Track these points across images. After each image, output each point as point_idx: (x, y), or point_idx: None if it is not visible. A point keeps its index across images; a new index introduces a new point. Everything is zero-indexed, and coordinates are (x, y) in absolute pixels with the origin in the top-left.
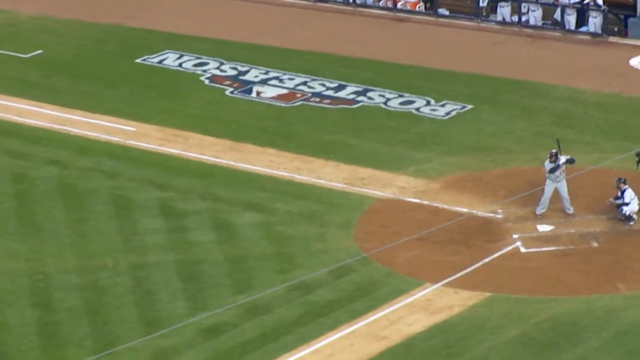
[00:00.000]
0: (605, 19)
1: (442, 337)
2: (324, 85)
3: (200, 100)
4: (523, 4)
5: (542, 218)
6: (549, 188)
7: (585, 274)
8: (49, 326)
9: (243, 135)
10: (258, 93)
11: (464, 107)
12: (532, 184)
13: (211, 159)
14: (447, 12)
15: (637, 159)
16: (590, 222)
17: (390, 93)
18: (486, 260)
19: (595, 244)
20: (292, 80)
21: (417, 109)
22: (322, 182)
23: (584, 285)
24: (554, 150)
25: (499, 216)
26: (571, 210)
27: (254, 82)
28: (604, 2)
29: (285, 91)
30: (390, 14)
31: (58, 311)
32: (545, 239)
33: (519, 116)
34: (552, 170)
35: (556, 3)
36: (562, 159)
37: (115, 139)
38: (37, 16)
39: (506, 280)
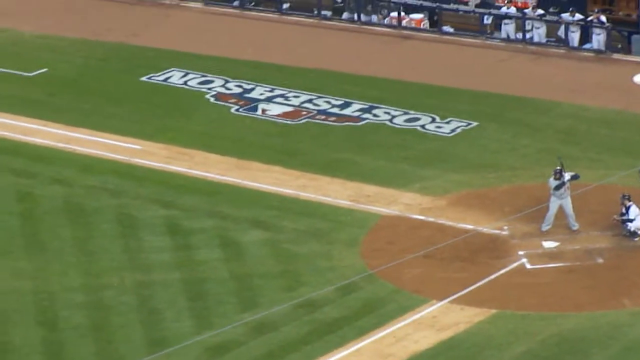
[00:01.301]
0: (608, 36)
1: (448, 354)
2: (329, 102)
3: (205, 118)
4: (527, 22)
5: (548, 234)
6: (553, 205)
7: (591, 290)
8: (53, 345)
9: (249, 153)
10: (263, 111)
11: (469, 124)
12: (537, 200)
13: (217, 176)
14: (451, 30)
15: (639, 176)
16: (595, 238)
17: (396, 110)
18: (492, 277)
19: (600, 260)
20: (298, 98)
21: (423, 126)
22: (328, 200)
23: (589, 302)
24: (558, 168)
25: (504, 233)
26: (576, 227)
27: (259, 100)
28: (607, 20)
29: (290, 109)
30: (395, 31)
31: (63, 330)
32: (551, 255)
33: (524, 133)
34: (557, 188)
35: (560, 20)
36: (567, 176)
37: (120, 157)
38: (40, 35)
39: (512, 296)
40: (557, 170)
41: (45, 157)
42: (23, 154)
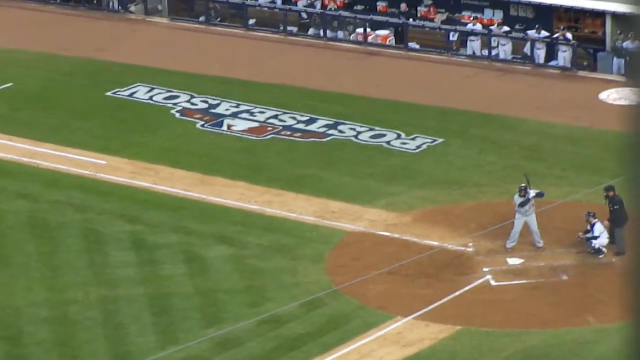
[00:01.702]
0: (574, 53)
1: None
2: (295, 118)
3: (171, 134)
4: (493, 39)
5: (513, 252)
6: (519, 222)
7: (556, 307)
8: None
9: (214, 168)
10: (229, 126)
11: (435, 140)
12: (503, 217)
13: (182, 192)
14: (417, 47)
15: (604, 194)
16: (560, 255)
17: (361, 127)
18: (457, 293)
19: (565, 278)
20: (263, 114)
21: (388, 143)
22: (293, 216)
23: (554, 319)
24: (523, 185)
25: (469, 250)
26: (541, 244)
27: (225, 116)
28: (573, 37)
29: (256, 124)
30: (361, 48)
31: (28, 345)
32: (516, 272)
33: (490, 150)
34: (522, 205)
35: (526, 38)
36: (532, 193)
37: (85, 172)
38: (5, 49)
39: (477, 313)
40: (522, 188)
41: (10, 172)
42: None
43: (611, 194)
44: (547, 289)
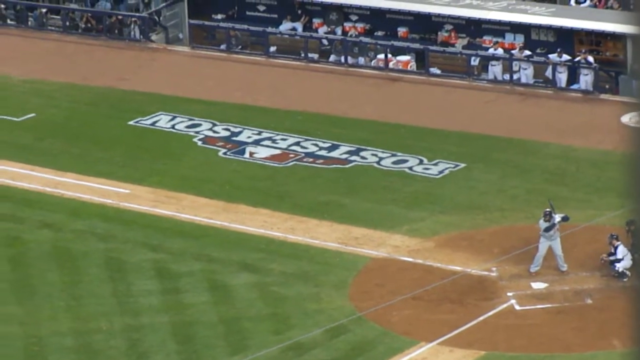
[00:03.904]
0: (596, 76)
1: None
2: (316, 145)
3: (193, 162)
4: (514, 63)
5: (536, 276)
6: (543, 246)
7: (580, 331)
8: None
9: (236, 196)
10: (251, 154)
11: (457, 165)
12: (526, 241)
13: (205, 220)
14: (438, 71)
15: (626, 228)
16: (584, 279)
17: (383, 152)
18: (481, 318)
19: (589, 301)
20: (285, 141)
21: (410, 168)
22: (316, 242)
23: (578, 343)
24: (548, 210)
25: (493, 274)
26: (565, 268)
27: (247, 143)
28: (594, 60)
29: (278, 151)
30: (383, 73)
31: None
32: (540, 296)
33: (512, 174)
34: (547, 229)
35: (547, 61)
36: (557, 217)
37: (108, 201)
38: (29, 79)
39: (501, 338)
40: (547, 212)
41: (34, 202)
42: (11, 199)
43: (632, 227)
44: (572, 313)
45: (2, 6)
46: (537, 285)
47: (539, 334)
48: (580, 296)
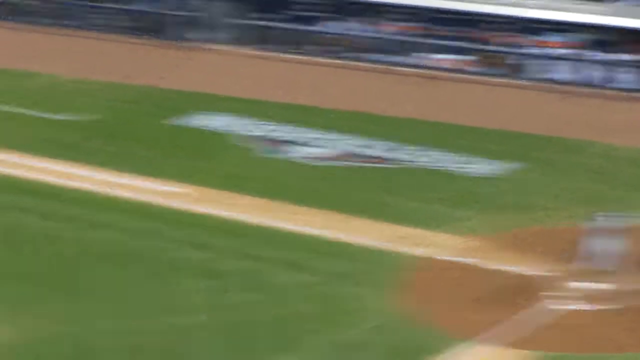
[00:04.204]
0: (638, 74)
1: None
2: (362, 144)
3: (235, 160)
4: (555, 61)
5: (584, 275)
6: (590, 245)
7: (632, 331)
8: None
9: (280, 194)
10: (295, 152)
11: (505, 165)
12: (570, 240)
13: (251, 218)
14: (479, 69)
15: None
16: (632, 278)
17: (426, 151)
18: (523, 317)
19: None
20: (331, 140)
21: (455, 167)
22: (363, 242)
23: (630, 343)
24: (598, 213)
25: (540, 273)
26: (613, 267)
27: (291, 142)
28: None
29: (323, 150)
30: (423, 72)
31: None
32: (589, 296)
33: (559, 174)
34: (595, 230)
35: (585, 59)
36: (607, 219)
37: (155, 200)
38: (74, 79)
39: (542, 337)
40: (597, 215)
41: (81, 201)
42: (58, 198)
43: None
44: (622, 313)
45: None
46: (579, 286)
47: (588, 334)
48: (630, 296)
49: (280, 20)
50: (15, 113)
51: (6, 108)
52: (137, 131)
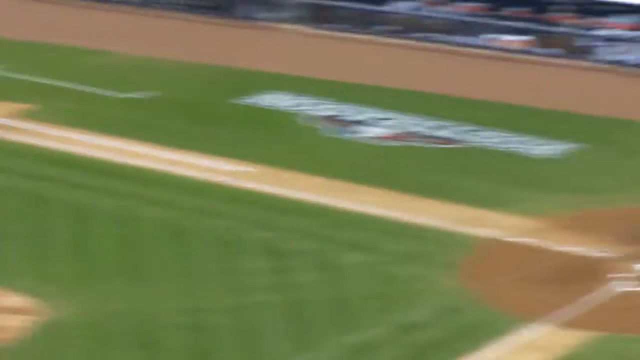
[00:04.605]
0: None
1: None
2: (429, 125)
3: (305, 140)
4: (632, 44)
5: None
6: None
7: None
8: None
9: (350, 174)
10: (362, 132)
11: (572, 146)
12: (635, 223)
13: (316, 198)
14: (552, 51)
15: None
16: None
17: (498, 132)
18: (591, 299)
19: None
20: (398, 120)
21: (524, 149)
22: (428, 222)
23: None
24: None
25: (605, 255)
26: None
27: (358, 122)
28: None
29: (390, 131)
30: (500, 53)
31: (163, 351)
32: None
33: (627, 156)
34: None
35: None
36: None
37: (220, 179)
38: (146, 57)
39: (611, 319)
40: None
41: (147, 180)
42: (126, 177)
43: None
44: None
45: None
46: None
47: None
48: None
49: (350, 0)
50: (80, 91)
51: (70, 86)
52: (203, 110)
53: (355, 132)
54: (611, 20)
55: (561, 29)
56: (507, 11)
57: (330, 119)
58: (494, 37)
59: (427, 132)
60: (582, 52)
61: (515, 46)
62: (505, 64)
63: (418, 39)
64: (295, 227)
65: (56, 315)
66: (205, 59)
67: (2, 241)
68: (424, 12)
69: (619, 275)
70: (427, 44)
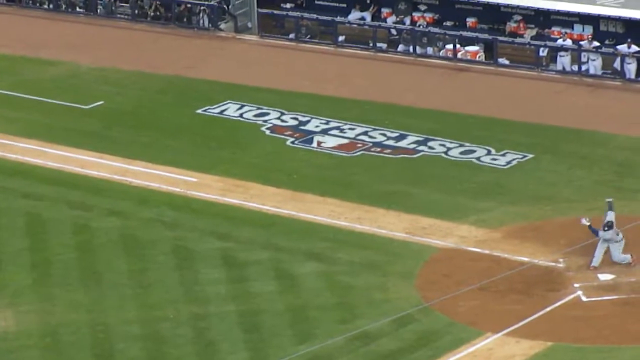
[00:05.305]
0: None
1: None
2: (384, 135)
3: (261, 151)
4: (583, 54)
5: (603, 267)
6: (602, 246)
7: None
8: None
9: (304, 185)
10: (319, 143)
11: (525, 156)
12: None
13: (272, 209)
14: (507, 62)
15: None
16: None
17: (451, 142)
18: (547, 309)
19: None
20: (353, 130)
21: (478, 159)
22: (383, 232)
23: None
24: (608, 220)
25: (560, 265)
26: (628, 260)
27: (314, 132)
28: None
29: (346, 141)
30: (451, 63)
31: None
32: (607, 287)
33: (580, 165)
34: (606, 238)
35: (616, 52)
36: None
37: (176, 189)
38: (97, 67)
39: (568, 329)
40: (607, 223)
41: (102, 190)
42: (79, 187)
43: None
44: (639, 305)
45: None
46: (604, 277)
47: (607, 326)
48: None
49: (310, 11)
50: (39, 102)
51: (30, 97)
52: (163, 120)
53: (311, 142)
54: (574, 31)
55: (513, 39)
56: (467, 22)
57: (288, 129)
58: (447, 47)
59: (382, 142)
60: (534, 63)
61: (468, 56)
62: (457, 74)
63: (371, 50)
64: (252, 237)
65: (7, 325)
66: (163, 69)
67: None
68: (378, 23)
69: (577, 285)
70: (387, 55)
